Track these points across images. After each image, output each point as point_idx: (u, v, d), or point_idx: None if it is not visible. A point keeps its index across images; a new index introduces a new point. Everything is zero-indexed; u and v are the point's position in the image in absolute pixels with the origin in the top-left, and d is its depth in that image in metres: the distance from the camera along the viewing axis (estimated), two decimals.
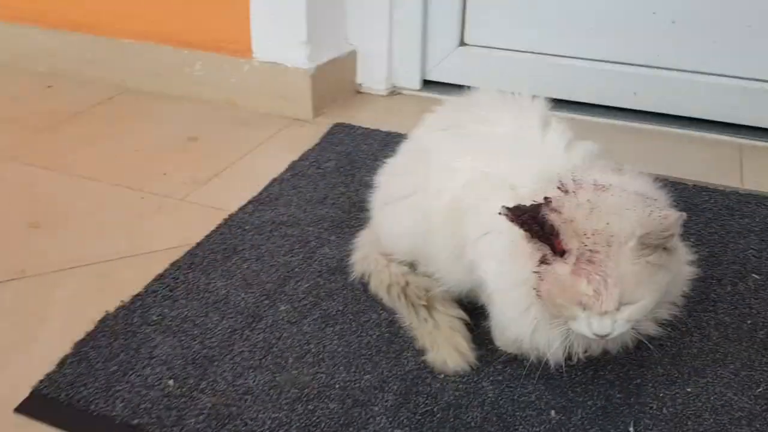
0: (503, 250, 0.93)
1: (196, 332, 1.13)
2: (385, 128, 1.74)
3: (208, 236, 1.36)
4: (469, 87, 1.18)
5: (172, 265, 1.28)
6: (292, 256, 1.31)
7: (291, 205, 1.47)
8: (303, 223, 1.40)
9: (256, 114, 1.88)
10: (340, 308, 1.18)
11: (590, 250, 0.83)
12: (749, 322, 1.14)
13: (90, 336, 1.12)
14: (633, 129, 1.80)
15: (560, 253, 0.85)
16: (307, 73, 1.80)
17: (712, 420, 0.98)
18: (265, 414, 0.99)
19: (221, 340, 1.12)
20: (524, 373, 1.05)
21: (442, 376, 1.05)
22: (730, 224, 1.39)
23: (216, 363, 1.07)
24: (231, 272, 1.27)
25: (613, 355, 1.01)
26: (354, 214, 1.42)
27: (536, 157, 1.00)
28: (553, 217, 0.85)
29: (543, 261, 0.86)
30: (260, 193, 1.50)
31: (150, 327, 1.14)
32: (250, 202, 1.47)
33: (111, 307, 1.17)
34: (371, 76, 1.98)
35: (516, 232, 0.87)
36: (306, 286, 1.23)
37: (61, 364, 1.06)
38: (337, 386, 1.03)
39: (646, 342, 0.95)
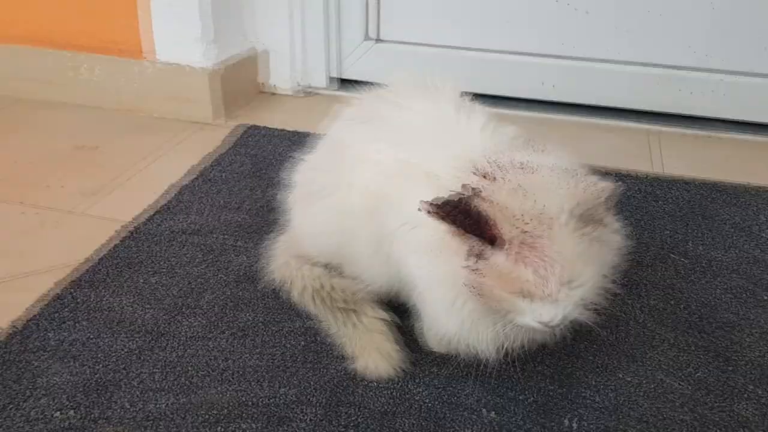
0: (427, 243, 0.87)
1: (97, 356, 1.02)
2: (298, 129, 1.66)
3: (111, 250, 1.24)
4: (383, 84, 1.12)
5: (71, 283, 1.16)
6: (201, 267, 1.21)
7: (199, 212, 1.36)
8: (213, 231, 1.30)
9: (155, 119, 1.76)
10: (258, 319, 1.09)
11: (529, 235, 0.78)
12: (675, 303, 1.14)
13: None
14: (548, 120, 1.80)
15: (495, 242, 0.79)
16: (207, 73, 1.70)
17: (648, 405, 0.95)
18: None
19: (125, 363, 1.01)
20: (458, 373, 1.00)
21: (371, 383, 0.98)
22: (647, 208, 1.39)
23: (120, 387, 0.96)
24: (129, 288, 1.15)
25: (548, 348, 0.98)
26: (268, 219, 1.33)
27: (453, 142, 0.95)
28: (485, 207, 0.80)
29: (478, 256, 0.81)
30: (166, 202, 1.39)
31: (46, 353, 1.02)
32: (156, 211, 1.36)
33: None
34: (279, 76, 1.89)
35: (439, 226, 0.82)
36: (220, 297, 1.14)
37: None
38: (255, 404, 0.95)
39: (594, 323, 0.92)
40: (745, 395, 0.97)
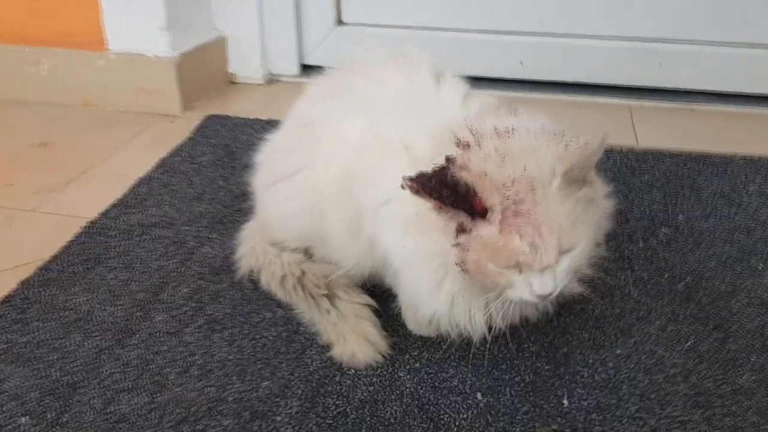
0: (407, 220, 0.81)
1: (53, 357, 0.95)
2: (264, 117, 1.59)
3: (64, 247, 1.17)
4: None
5: (22, 283, 1.08)
6: (167, 260, 1.14)
7: (163, 204, 1.29)
8: (178, 223, 1.23)
9: (116, 113, 1.68)
10: (228, 311, 1.03)
11: (514, 201, 0.72)
12: (666, 275, 1.09)
13: None
14: (527, 100, 1.74)
15: (481, 213, 0.74)
16: (170, 63, 1.62)
17: (647, 381, 0.90)
18: None
19: (86, 363, 0.94)
20: (445, 357, 0.94)
21: (353, 371, 0.92)
22: (632, 182, 1.34)
23: (81, 390, 0.89)
24: (94, 285, 1.08)
25: (535, 325, 0.92)
26: (236, 208, 1.26)
27: (431, 113, 0.89)
28: (464, 176, 0.74)
29: (461, 230, 0.75)
30: (125, 196, 1.32)
31: (10, 356, 0.94)
32: (113, 205, 1.28)
33: None
34: (245, 64, 1.82)
35: (420, 203, 0.76)
36: (186, 291, 1.07)
37: None
38: (230, 399, 0.88)
39: (589, 293, 0.87)
40: (744, 365, 0.92)
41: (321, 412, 0.86)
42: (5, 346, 0.96)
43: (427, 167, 0.75)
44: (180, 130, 1.57)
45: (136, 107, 1.67)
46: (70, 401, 0.88)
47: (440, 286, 0.83)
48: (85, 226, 1.22)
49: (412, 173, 0.75)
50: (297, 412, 0.86)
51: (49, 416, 0.86)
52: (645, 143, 1.50)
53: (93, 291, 1.07)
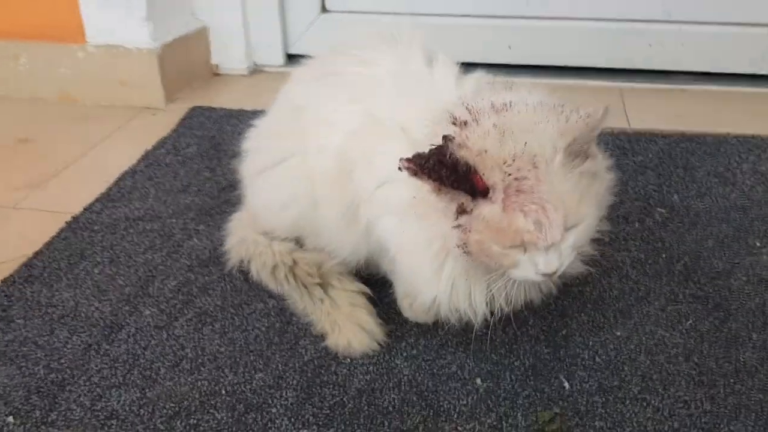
0: (405, 203, 0.78)
1: (39, 355, 0.92)
2: (249, 108, 1.55)
3: (48, 243, 1.13)
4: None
5: (4, 281, 1.05)
6: (153, 253, 1.11)
7: (148, 197, 1.26)
8: (164, 216, 1.20)
9: (98, 107, 1.64)
10: (218, 303, 1.00)
11: (516, 179, 0.70)
12: (664, 256, 1.07)
13: None
14: (516, 85, 1.72)
15: (482, 192, 0.71)
16: (152, 54, 1.58)
17: (648, 361, 0.89)
18: None
19: (72, 360, 0.91)
20: (441, 343, 0.92)
21: (348, 360, 0.90)
22: (625, 164, 1.33)
23: (68, 387, 0.87)
24: (79, 280, 1.05)
25: (533, 308, 0.90)
26: (224, 199, 1.23)
27: (425, 94, 0.87)
28: (463, 154, 0.71)
29: (462, 211, 0.73)
30: (109, 190, 1.28)
31: None
32: (97, 200, 1.25)
33: None
34: (228, 55, 1.78)
35: (419, 185, 0.73)
36: (174, 284, 1.04)
37: None
38: (223, 392, 0.86)
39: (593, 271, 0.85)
40: (746, 343, 0.91)
41: (317, 402, 0.84)
42: (4, 343, 0.94)
43: (424, 148, 0.73)
44: (163, 122, 1.54)
45: (117, 100, 1.63)
46: (58, 399, 0.85)
47: (441, 270, 0.81)
48: (69, 222, 1.19)
49: (409, 155, 0.72)
50: (292, 403, 0.84)
51: (35, 415, 0.83)
52: (637, 125, 1.49)
53: (78, 287, 1.04)
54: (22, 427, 0.82)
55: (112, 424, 0.82)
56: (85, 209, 1.22)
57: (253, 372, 0.88)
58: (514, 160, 0.71)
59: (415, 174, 0.71)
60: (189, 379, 0.87)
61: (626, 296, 1.00)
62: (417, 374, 0.87)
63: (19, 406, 0.84)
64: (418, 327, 0.94)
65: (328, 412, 0.83)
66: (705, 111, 1.57)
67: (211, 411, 0.83)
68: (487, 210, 0.71)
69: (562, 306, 0.98)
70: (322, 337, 0.93)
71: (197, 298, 1.01)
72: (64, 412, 0.83)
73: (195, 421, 0.81)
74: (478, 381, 0.86)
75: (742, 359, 0.88)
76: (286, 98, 1.02)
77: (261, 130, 1.03)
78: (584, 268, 0.84)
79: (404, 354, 0.90)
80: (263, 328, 0.95)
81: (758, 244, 1.09)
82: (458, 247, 0.75)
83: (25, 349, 0.93)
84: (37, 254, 1.11)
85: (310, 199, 0.93)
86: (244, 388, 0.86)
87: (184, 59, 1.69)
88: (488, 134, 0.73)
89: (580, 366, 0.88)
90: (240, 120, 1.51)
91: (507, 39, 1.72)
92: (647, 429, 0.80)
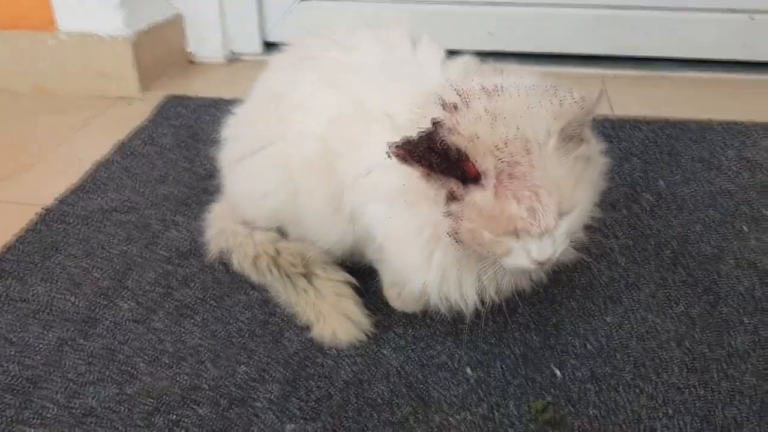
0: (393, 190, 0.76)
1: (11, 351, 0.88)
2: (227, 97, 1.51)
3: (19, 236, 1.09)
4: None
5: None
6: (130, 245, 1.07)
7: (124, 189, 1.22)
8: (141, 207, 1.16)
9: (71, 97, 1.59)
10: (199, 296, 0.97)
11: (508, 164, 0.68)
12: (652, 241, 1.06)
13: None
14: None
15: (474, 179, 0.69)
16: (126, 42, 1.54)
17: (640, 348, 0.87)
18: None
19: (46, 356, 0.87)
20: (429, 333, 0.90)
21: (335, 351, 0.87)
22: (610, 150, 1.28)
23: (42, 385, 0.83)
24: (53, 274, 1.01)
25: (522, 296, 0.88)
26: (203, 189, 1.20)
27: (411, 79, 0.84)
28: (453, 139, 0.69)
29: (453, 198, 0.71)
30: (84, 181, 1.24)
31: None
32: (71, 191, 1.21)
33: None
34: (204, 43, 1.74)
35: (407, 172, 0.71)
36: (152, 276, 1.01)
37: None
38: (205, 386, 0.83)
39: (587, 258, 0.83)
40: (738, 327, 0.90)
41: (303, 395, 0.81)
42: None
43: (412, 134, 0.70)
44: (138, 112, 1.50)
45: (91, 90, 1.58)
46: (31, 397, 0.82)
47: (430, 259, 0.78)
48: (41, 214, 1.14)
49: (397, 141, 0.70)
50: (278, 397, 0.81)
51: (8, 414, 0.80)
52: (620, 111, 1.48)
53: (52, 280, 1.00)
54: (0, 427, 0.78)
55: (89, 422, 0.78)
56: (58, 201, 1.18)
57: (236, 365, 0.85)
58: (506, 146, 0.68)
59: (404, 160, 0.69)
60: (169, 374, 0.84)
61: (616, 282, 0.98)
62: (406, 365, 0.85)
63: None
64: (405, 317, 0.92)
65: (315, 405, 0.80)
66: (688, 97, 1.56)
67: (192, 406, 0.80)
68: (478, 197, 0.69)
69: (552, 294, 0.96)
70: (306, 328, 0.90)
71: (176, 291, 0.98)
72: (38, 410, 0.80)
73: (176, 417, 0.78)
74: (469, 371, 0.84)
75: (734, 344, 0.87)
76: (265, 85, 0.99)
77: (239, 117, 1.00)
78: (577, 255, 0.82)
79: (392, 344, 0.88)
80: (246, 320, 0.92)
81: (746, 229, 1.08)
82: (449, 235, 0.73)
83: (4, 344, 0.89)
84: (8, 248, 1.06)
85: (290, 187, 0.90)
86: (226, 382, 0.83)
87: (160, 47, 1.65)
88: (480, 119, 0.70)
89: (572, 354, 0.87)
90: (218, 109, 1.46)
91: (487, 25, 1.70)
92: (641, 416, 0.78)
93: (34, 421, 0.79)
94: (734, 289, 0.96)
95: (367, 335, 0.88)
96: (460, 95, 0.74)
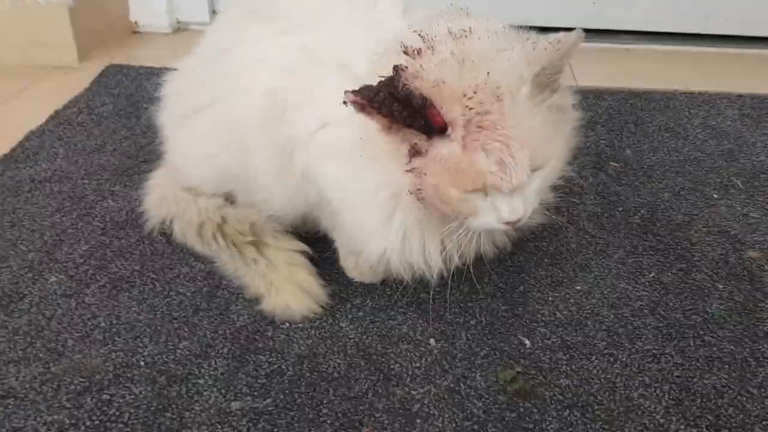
0: (349, 145, 0.68)
1: None
2: (173, 67, 1.42)
3: None
4: None
5: None
6: (62, 216, 0.98)
7: (57, 158, 1.12)
8: (75, 177, 1.07)
9: (2, 67, 1.46)
10: (136, 268, 0.89)
11: (477, 113, 0.61)
12: (620, 209, 1.02)
13: None
14: None
15: (439, 129, 0.62)
16: (63, 9, 1.43)
17: (612, 315, 0.82)
18: (38, 419, 0.68)
19: None
20: (389, 303, 0.83)
21: (287, 324, 0.80)
22: (582, 121, 1.26)
23: None
24: None
25: (488, 261, 0.82)
26: (143, 159, 1.11)
27: (369, 27, 0.76)
28: (417, 85, 0.62)
29: (415, 152, 0.64)
30: (12, 150, 1.14)
31: None
32: (10, 161, 1.11)
33: None
34: (149, 11, 1.64)
35: (365, 125, 0.64)
36: (85, 248, 0.92)
37: None
38: (142, 364, 0.75)
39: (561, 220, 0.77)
40: (712, 294, 0.86)
41: (252, 371, 0.74)
42: None
43: (371, 83, 0.63)
44: (76, 81, 1.39)
45: (25, 60, 1.47)
46: None
47: (390, 220, 0.71)
48: None
49: (355, 88, 0.62)
50: (223, 373, 0.73)
51: None
52: (583, 82, 1.43)
53: None
54: None
55: (9, 404, 0.70)
56: None
57: (176, 341, 0.77)
58: (475, 93, 0.62)
59: (362, 109, 0.62)
60: (101, 351, 0.76)
61: (584, 250, 0.93)
62: (364, 337, 0.78)
63: None
64: (364, 288, 0.85)
65: (265, 381, 0.73)
66: (651, 70, 1.53)
67: (127, 385, 0.72)
68: (444, 150, 0.63)
69: (518, 262, 0.90)
70: (256, 300, 0.82)
71: (112, 263, 0.89)
72: None
73: (108, 397, 0.70)
74: (432, 342, 0.78)
75: (709, 310, 0.83)
76: (212, 38, 0.91)
77: (182, 72, 0.92)
78: (545, 218, 0.77)
79: (349, 316, 0.81)
80: (188, 294, 0.84)
81: (716, 196, 1.05)
82: (411, 193, 0.66)
83: None
84: None
85: (238, 147, 0.82)
86: (166, 359, 0.75)
87: (100, 15, 1.54)
88: (445, 63, 0.63)
89: (541, 322, 0.81)
90: (162, 78, 1.38)
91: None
92: (617, 385, 0.73)
93: None
94: (706, 256, 0.92)
95: (322, 307, 0.82)
96: (424, 39, 0.67)
